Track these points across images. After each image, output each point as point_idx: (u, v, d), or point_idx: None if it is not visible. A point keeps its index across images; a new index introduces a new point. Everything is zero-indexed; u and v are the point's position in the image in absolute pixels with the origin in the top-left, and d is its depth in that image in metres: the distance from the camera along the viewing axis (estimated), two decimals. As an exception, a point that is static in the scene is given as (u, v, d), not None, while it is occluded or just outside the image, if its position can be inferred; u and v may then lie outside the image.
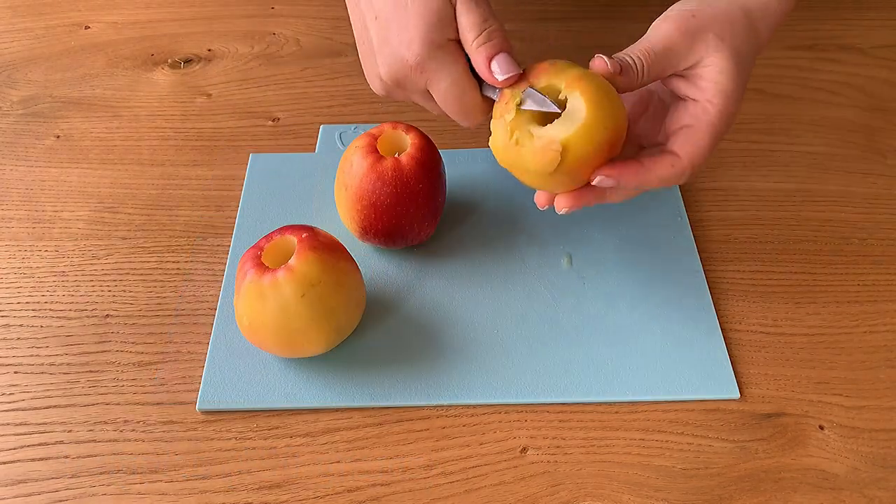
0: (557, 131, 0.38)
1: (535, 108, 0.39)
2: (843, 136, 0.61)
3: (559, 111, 0.38)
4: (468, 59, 0.41)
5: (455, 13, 0.40)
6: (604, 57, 0.39)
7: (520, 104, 0.39)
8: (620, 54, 0.40)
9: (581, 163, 0.38)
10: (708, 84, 0.40)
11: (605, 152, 0.39)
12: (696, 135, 0.40)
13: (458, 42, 0.41)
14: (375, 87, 0.45)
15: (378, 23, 0.41)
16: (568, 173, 0.39)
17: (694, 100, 0.41)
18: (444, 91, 0.41)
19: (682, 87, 0.41)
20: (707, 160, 0.41)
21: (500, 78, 0.39)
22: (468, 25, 0.40)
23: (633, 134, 0.44)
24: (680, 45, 0.40)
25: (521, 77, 0.40)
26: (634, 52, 0.40)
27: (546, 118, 0.39)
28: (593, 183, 0.39)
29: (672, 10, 0.41)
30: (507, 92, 0.40)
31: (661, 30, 0.40)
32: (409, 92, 0.43)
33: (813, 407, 0.45)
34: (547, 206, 0.42)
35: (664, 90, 0.44)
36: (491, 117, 0.41)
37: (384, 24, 0.41)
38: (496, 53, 0.39)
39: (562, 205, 0.41)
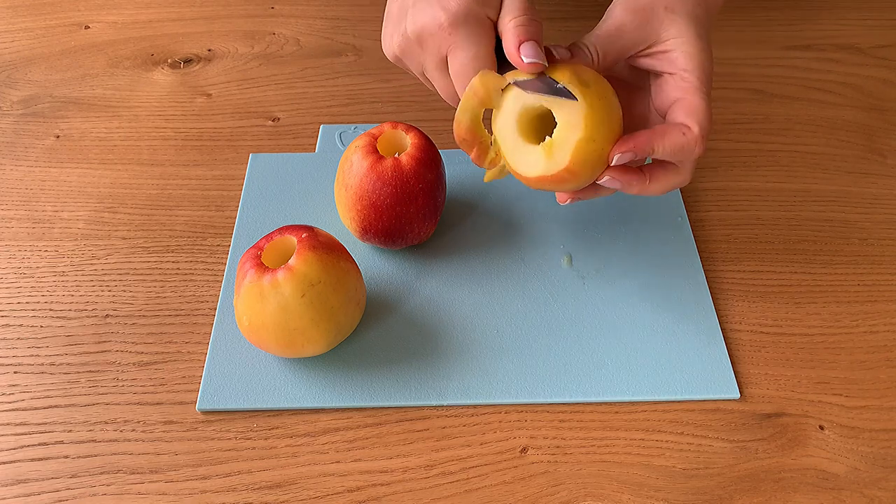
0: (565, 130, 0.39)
1: (528, 91, 0.40)
2: (843, 136, 0.61)
3: (571, 97, 0.39)
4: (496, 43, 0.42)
5: None
6: (552, 47, 0.41)
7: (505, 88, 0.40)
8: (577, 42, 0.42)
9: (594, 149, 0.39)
10: (676, 55, 0.41)
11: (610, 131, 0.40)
12: (690, 101, 0.41)
13: (494, 24, 0.41)
14: (393, 45, 0.44)
15: None
16: (586, 164, 0.40)
17: (670, 73, 0.42)
18: (463, 62, 0.41)
19: (653, 64, 0.42)
20: (711, 120, 0.41)
21: (526, 61, 0.39)
22: (511, 7, 0.40)
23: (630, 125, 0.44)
24: (631, 25, 0.41)
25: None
26: (586, 38, 0.42)
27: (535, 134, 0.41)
28: (612, 163, 0.40)
29: None
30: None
31: (612, 13, 0.42)
32: (426, 55, 0.43)
33: (813, 407, 0.45)
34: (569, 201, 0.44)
35: (636, 75, 0.45)
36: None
37: None
38: (528, 39, 0.39)
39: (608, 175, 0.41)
